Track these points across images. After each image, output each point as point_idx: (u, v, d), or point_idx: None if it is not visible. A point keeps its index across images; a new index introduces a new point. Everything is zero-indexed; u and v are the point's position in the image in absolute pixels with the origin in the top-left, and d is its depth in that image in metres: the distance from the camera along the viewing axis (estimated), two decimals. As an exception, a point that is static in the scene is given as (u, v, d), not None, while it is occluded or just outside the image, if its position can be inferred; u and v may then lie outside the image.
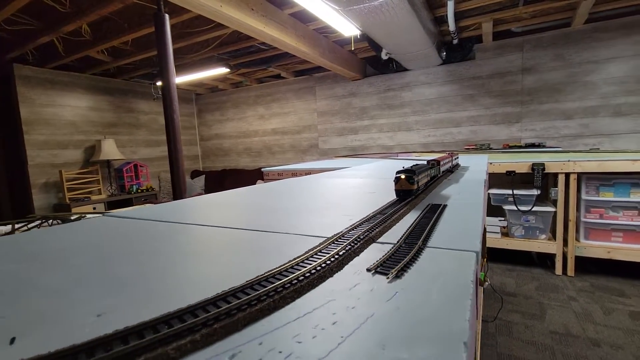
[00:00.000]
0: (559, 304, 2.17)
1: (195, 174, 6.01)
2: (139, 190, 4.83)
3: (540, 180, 2.92)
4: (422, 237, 0.36)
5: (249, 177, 5.34)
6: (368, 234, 0.38)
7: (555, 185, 2.94)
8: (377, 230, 0.40)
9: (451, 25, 3.19)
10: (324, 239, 0.38)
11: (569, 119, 3.53)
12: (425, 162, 0.79)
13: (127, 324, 0.20)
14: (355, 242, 0.35)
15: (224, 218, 0.58)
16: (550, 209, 2.85)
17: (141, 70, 4.53)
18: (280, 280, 0.25)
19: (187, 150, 6.05)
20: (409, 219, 0.48)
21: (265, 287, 0.24)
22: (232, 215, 0.61)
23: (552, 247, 2.74)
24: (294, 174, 2.11)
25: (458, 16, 3.24)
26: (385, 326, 0.20)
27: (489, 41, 3.76)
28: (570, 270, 2.63)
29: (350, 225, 0.43)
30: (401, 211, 0.51)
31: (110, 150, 4.50)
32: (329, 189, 0.89)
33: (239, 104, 5.70)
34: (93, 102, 4.57)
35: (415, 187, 0.61)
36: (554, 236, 2.80)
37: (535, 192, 2.90)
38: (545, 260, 2.90)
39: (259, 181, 5.21)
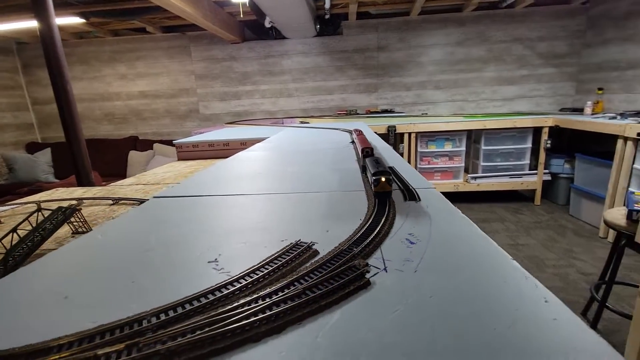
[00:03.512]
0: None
1: (33, 147, 4.81)
2: (-48, 174, 3.63)
3: (394, 138, 3.85)
4: (408, 186, 0.77)
5: (117, 147, 4.70)
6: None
7: (402, 142, 3.94)
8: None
9: (327, 3, 3.60)
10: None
11: (409, 90, 4.63)
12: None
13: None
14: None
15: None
16: (401, 160, 3.82)
17: None
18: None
19: (13, 117, 4.72)
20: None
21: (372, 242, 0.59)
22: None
23: (402, 187, 3.73)
24: (211, 145, 2.20)
25: (332, -5, 3.66)
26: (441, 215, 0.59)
27: (354, 20, 4.38)
28: (413, 203, 3.70)
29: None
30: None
31: None
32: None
33: (88, 59, 4.74)
34: None
35: (391, 188, 0.65)
36: (403, 180, 3.79)
37: (390, 148, 3.82)
38: (398, 198, 3.93)
39: (131, 152, 4.67)
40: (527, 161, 3.91)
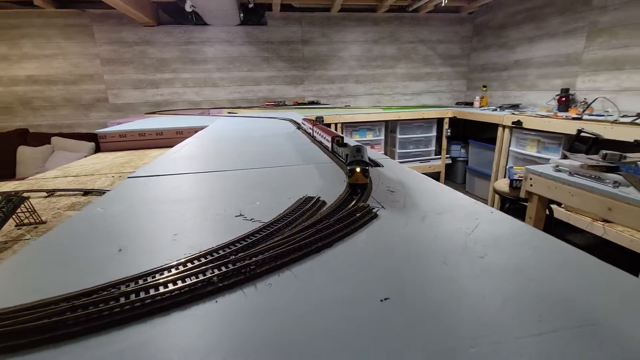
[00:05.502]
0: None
1: None
2: None
3: (322, 129, 4.06)
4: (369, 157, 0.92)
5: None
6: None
7: (330, 132, 4.16)
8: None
9: (252, -8, 3.58)
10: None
11: (332, 83, 4.90)
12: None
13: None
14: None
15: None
16: (330, 149, 4.07)
17: None
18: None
19: None
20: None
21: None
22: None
23: (332, 174, 3.98)
24: (142, 134, 2.05)
25: (256, -15, 3.64)
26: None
27: (277, 11, 4.43)
28: (343, 188, 3.99)
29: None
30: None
31: None
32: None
33: (-51, 33, 3.80)
34: None
35: (368, 180, 0.58)
36: (333, 167, 4.04)
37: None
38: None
39: (21, 147, 3.93)
40: (433, 148, 4.55)
